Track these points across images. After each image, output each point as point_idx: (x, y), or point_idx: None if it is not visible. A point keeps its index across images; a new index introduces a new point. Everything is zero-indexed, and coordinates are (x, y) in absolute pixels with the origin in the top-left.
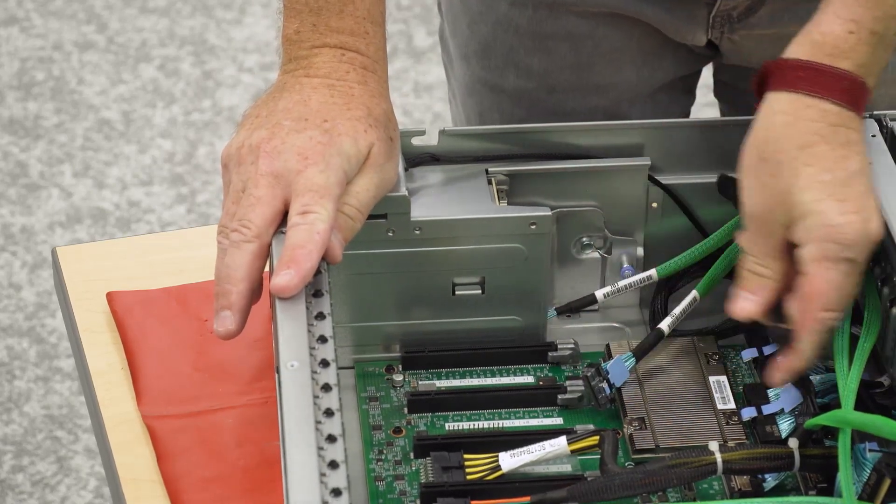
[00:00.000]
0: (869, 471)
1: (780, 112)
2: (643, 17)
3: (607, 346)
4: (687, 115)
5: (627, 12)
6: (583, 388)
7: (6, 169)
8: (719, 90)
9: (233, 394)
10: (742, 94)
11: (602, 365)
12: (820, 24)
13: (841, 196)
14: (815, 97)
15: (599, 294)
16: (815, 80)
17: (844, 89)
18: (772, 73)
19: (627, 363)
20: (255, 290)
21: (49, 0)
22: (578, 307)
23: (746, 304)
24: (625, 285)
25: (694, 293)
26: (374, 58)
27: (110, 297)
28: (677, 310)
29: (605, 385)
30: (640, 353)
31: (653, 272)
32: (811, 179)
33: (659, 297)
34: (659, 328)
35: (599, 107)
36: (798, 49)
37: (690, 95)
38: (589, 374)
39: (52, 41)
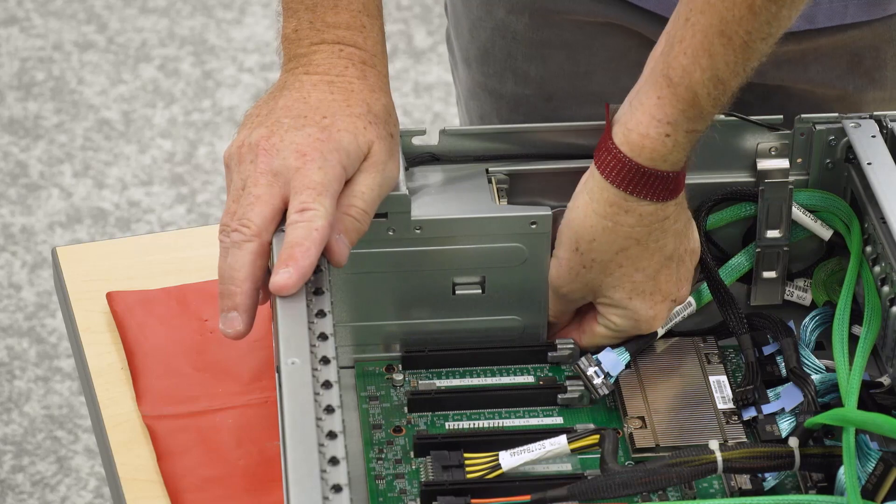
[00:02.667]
0: (874, 462)
1: (601, 214)
2: (639, 29)
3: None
4: None
5: (623, 23)
6: (583, 387)
7: (6, 169)
8: None
9: (233, 394)
10: (740, 103)
11: (596, 357)
12: (638, 125)
13: (650, 289)
14: (635, 199)
15: None
16: (637, 182)
17: (663, 189)
18: (602, 154)
19: (621, 356)
20: (260, 289)
21: (49, 0)
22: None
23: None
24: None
25: (690, 299)
26: (372, 51)
27: (110, 297)
28: (671, 313)
29: (597, 370)
30: (633, 350)
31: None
32: (623, 279)
33: None
34: (653, 330)
35: (596, 115)
36: (623, 139)
37: None
38: (583, 362)
39: (52, 41)
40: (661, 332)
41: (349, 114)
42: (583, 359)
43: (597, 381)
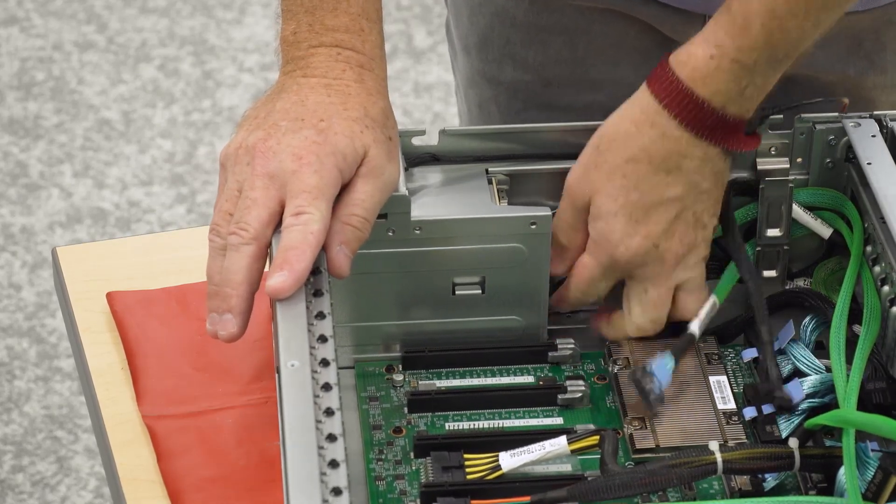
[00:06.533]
0: (873, 469)
1: (629, 118)
2: (639, 15)
3: (608, 346)
4: None
5: (623, 9)
6: (583, 387)
7: (6, 169)
8: None
9: (233, 394)
10: None
11: (647, 368)
12: (690, 44)
13: (637, 217)
14: (665, 114)
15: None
16: (673, 96)
17: (695, 117)
18: (655, 69)
19: (668, 366)
20: (256, 292)
21: (49, 0)
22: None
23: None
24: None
25: (713, 298)
26: (370, 55)
27: (110, 297)
28: (702, 313)
29: (654, 386)
30: (676, 354)
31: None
32: (620, 190)
33: None
34: (691, 332)
35: (596, 102)
36: (673, 55)
37: None
38: (639, 375)
39: (52, 41)
40: (697, 333)
41: (346, 117)
42: (638, 370)
43: (653, 396)
